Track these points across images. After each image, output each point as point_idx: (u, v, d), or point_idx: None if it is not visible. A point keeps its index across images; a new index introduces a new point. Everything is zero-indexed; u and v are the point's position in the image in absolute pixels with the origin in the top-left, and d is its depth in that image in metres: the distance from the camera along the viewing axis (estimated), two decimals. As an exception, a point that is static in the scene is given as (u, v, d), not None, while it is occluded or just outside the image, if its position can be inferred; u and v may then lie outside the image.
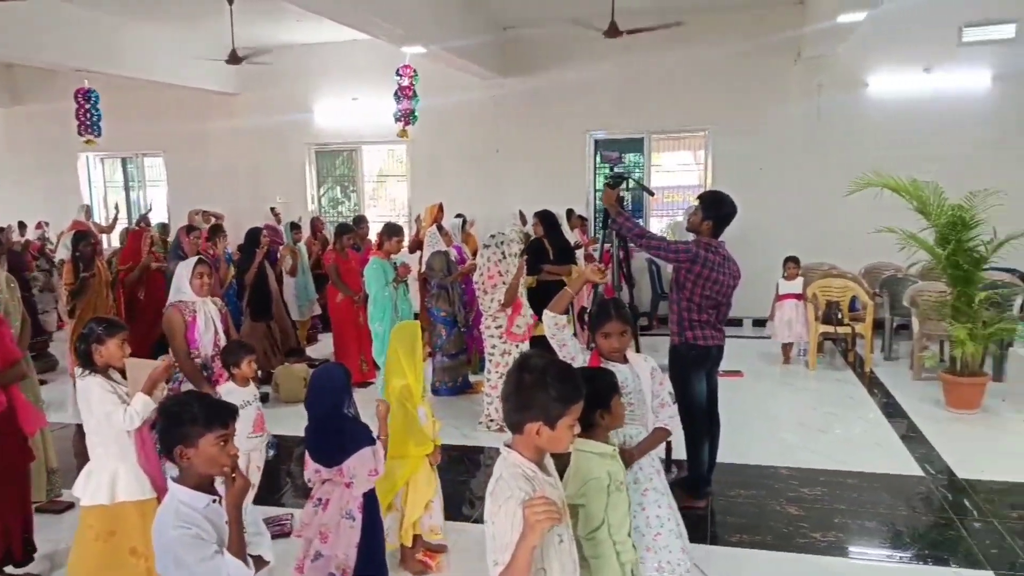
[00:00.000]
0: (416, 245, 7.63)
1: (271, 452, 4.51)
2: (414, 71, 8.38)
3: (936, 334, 6.48)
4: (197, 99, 10.67)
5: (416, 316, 6.66)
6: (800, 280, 7.15)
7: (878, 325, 7.25)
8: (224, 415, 2.06)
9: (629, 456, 2.71)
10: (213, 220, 9.07)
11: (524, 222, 8.14)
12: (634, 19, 7.51)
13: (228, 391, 3.53)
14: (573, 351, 2.87)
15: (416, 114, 8.49)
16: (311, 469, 2.90)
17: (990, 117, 8.27)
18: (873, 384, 6.53)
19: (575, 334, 6.23)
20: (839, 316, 7.01)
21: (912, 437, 5.22)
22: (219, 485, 2.07)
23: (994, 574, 3.44)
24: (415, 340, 3.35)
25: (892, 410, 5.82)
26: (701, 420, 4.18)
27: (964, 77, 8.33)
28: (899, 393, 6.20)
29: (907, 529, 3.94)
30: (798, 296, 7.09)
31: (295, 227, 8.04)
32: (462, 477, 4.60)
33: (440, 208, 7.51)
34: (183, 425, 2.00)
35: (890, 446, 5.09)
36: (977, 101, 8.33)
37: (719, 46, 8.83)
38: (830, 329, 7.02)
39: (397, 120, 8.44)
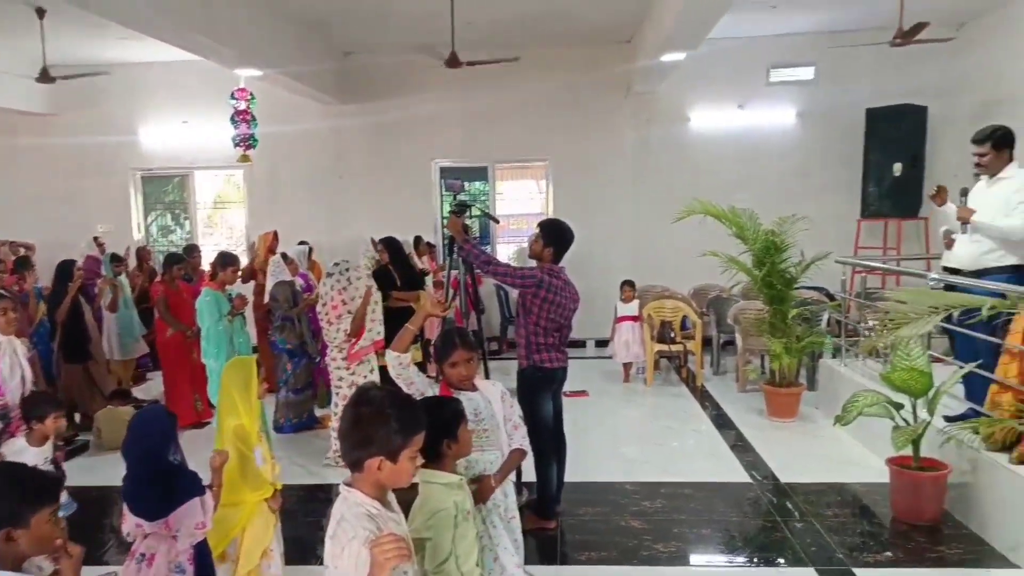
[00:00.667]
0: (249, 274, 7.29)
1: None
2: (251, 94, 8.08)
3: (757, 349, 7.03)
4: (4, 119, 9.67)
5: (255, 350, 6.35)
6: (636, 302, 7.54)
7: (707, 342, 7.76)
8: (55, 487, 1.88)
9: (487, 486, 2.71)
10: (22, 251, 8.22)
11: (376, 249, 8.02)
12: (475, 51, 7.68)
13: (17, 450, 3.17)
14: (422, 386, 2.84)
15: (256, 139, 8.18)
16: (130, 523, 2.65)
17: (796, 150, 9.15)
18: (704, 398, 6.97)
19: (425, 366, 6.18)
20: (672, 335, 7.45)
21: (740, 446, 5.60)
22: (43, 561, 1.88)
23: (815, 570, 3.73)
24: (250, 376, 3.16)
25: (722, 421, 6.22)
26: (549, 441, 4.27)
27: (772, 113, 9.18)
28: (727, 405, 6.65)
29: (739, 534, 4.20)
30: (634, 318, 7.47)
31: (116, 259, 7.43)
32: (310, 518, 4.41)
33: (275, 236, 7.23)
34: (10, 504, 1.80)
35: (721, 456, 5.43)
36: (784, 135, 9.20)
37: (556, 80, 9.19)
38: (664, 347, 7.44)
39: (236, 145, 8.08)
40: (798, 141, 9.17)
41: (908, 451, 4.19)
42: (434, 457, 2.34)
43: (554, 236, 4.20)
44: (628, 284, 7.61)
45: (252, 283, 7.24)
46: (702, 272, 7.89)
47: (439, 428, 2.32)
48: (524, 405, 4.10)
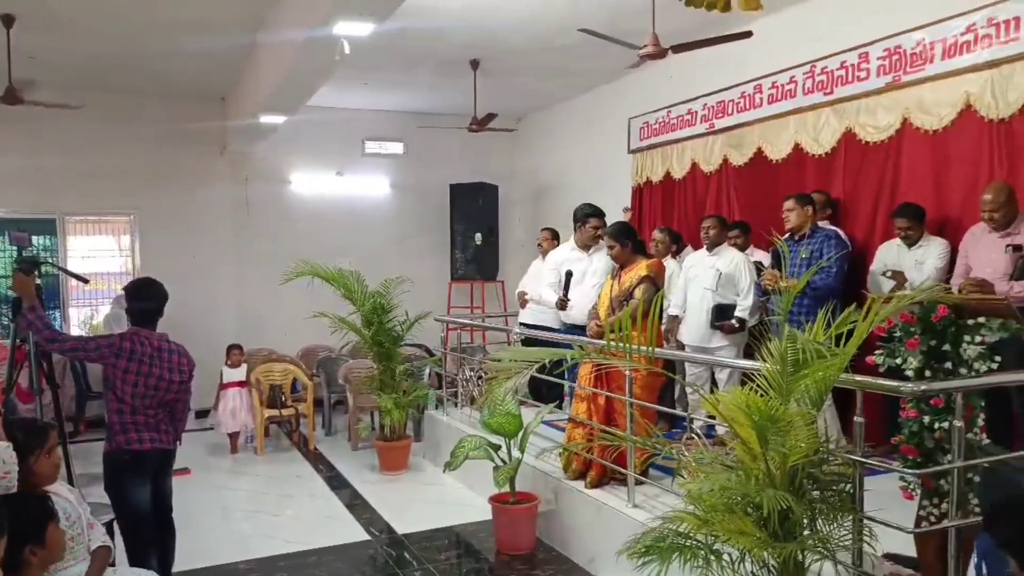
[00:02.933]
0: None
1: None
2: None
3: (368, 406, 7.26)
4: None
5: None
6: (244, 367, 7.22)
7: (318, 403, 7.76)
8: None
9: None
10: None
11: None
12: (43, 90, 6.72)
13: None
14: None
15: None
16: None
17: (391, 217, 9.80)
18: (318, 460, 6.93)
19: None
20: (283, 399, 7.29)
21: (356, 504, 5.69)
22: None
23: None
24: None
25: (336, 482, 6.26)
26: (146, 533, 3.73)
27: (369, 182, 9.73)
28: (341, 464, 6.71)
29: (365, 592, 4.27)
30: (242, 383, 7.14)
31: None
32: None
33: None
34: None
35: (339, 517, 5.45)
36: (382, 202, 9.80)
37: (142, 130, 8.46)
38: (275, 412, 7.24)
39: None
40: (394, 209, 9.84)
41: (507, 488, 4.74)
42: (14, 567, 1.97)
43: (130, 297, 3.76)
44: (236, 348, 7.26)
45: None
46: (311, 333, 7.90)
47: (21, 532, 1.97)
48: (111, 493, 3.62)
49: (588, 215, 5.73)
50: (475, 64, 7.41)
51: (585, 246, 5.79)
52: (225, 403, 7.05)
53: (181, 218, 8.79)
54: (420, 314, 6.71)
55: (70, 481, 3.87)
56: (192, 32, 6.24)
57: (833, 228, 5.06)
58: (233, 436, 7.16)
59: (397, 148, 9.83)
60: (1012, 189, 4.20)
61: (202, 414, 8.23)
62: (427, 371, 7.40)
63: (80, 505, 2.90)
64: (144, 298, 3.72)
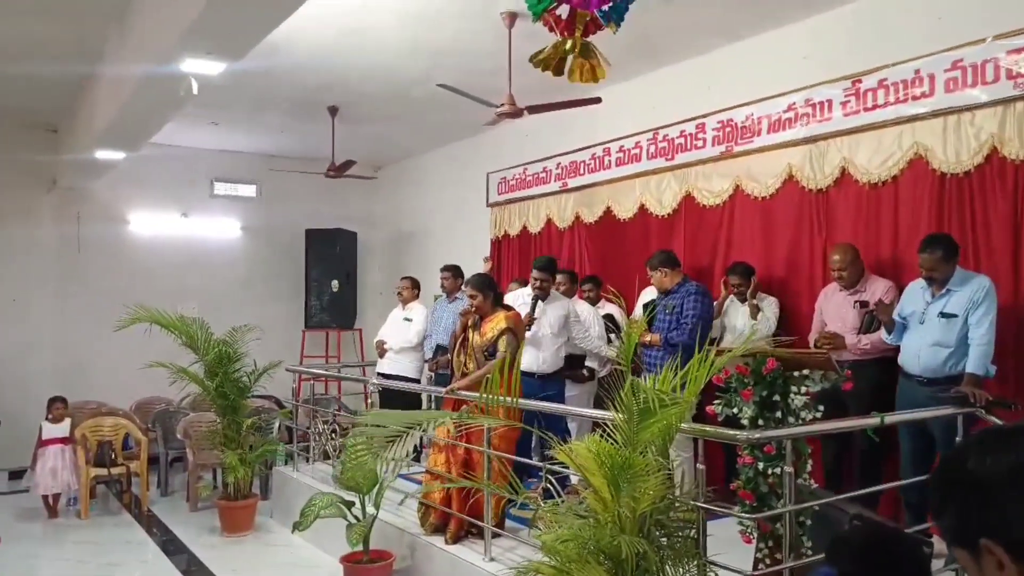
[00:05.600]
0: None
1: None
2: None
3: (210, 463, 6.80)
4: None
5: None
6: (68, 422, 6.57)
7: (153, 461, 7.18)
8: None
9: None
10: None
11: None
12: None
13: None
14: None
15: None
16: None
17: (242, 262, 9.39)
18: (152, 523, 6.38)
19: None
20: (113, 456, 6.68)
21: (194, 570, 5.29)
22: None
23: None
24: None
25: (173, 547, 5.79)
26: None
27: (218, 224, 9.30)
28: (178, 527, 6.22)
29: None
30: (64, 440, 6.49)
31: None
32: None
33: None
34: None
35: (174, 585, 5.05)
36: (230, 246, 9.38)
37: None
38: (103, 471, 6.61)
39: None
40: (244, 253, 9.45)
41: (361, 546, 4.58)
42: None
43: None
44: (59, 401, 6.60)
45: None
46: (147, 385, 7.34)
47: None
48: None
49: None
50: (333, 110, 7.35)
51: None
52: (44, 461, 6.36)
53: (1, 258, 7.98)
54: (270, 364, 6.41)
55: None
56: (21, 54, 5.78)
57: (697, 284, 5.31)
58: (52, 499, 6.46)
59: (249, 191, 9.50)
60: (856, 250, 4.59)
61: (16, 475, 7.42)
62: (277, 424, 7.06)
63: None
64: None
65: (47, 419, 6.54)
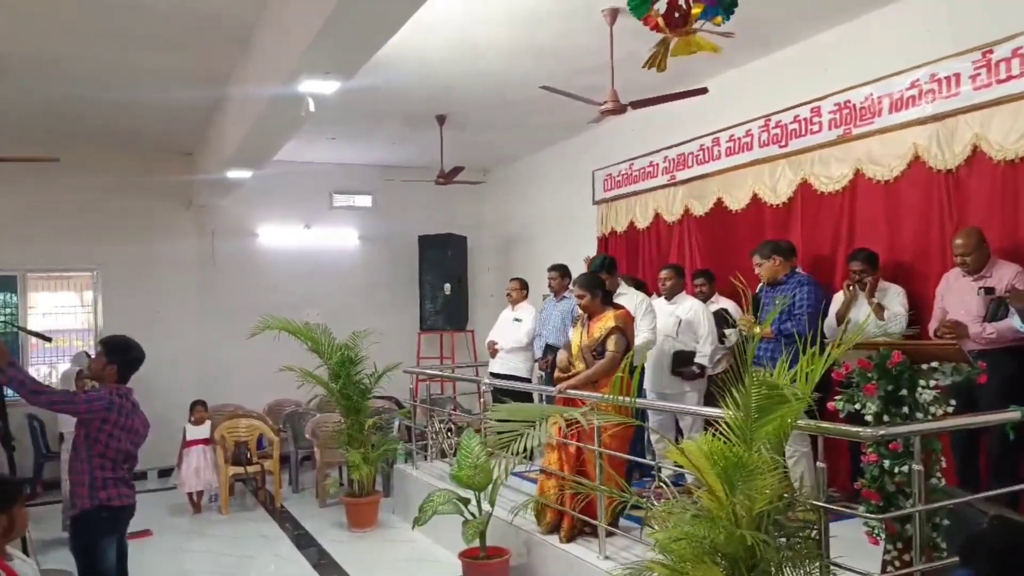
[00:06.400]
0: None
1: None
2: None
3: (336, 461, 7.14)
4: None
5: None
6: (208, 424, 7.08)
7: (285, 459, 7.61)
8: None
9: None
10: None
11: None
12: (10, 144, 6.70)
13: None
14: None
15: None
16: None
17: (360, 269, 9.79)
18: (284, 518, 6.77)
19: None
20: (248, 456, 7.14)
21: (324, 563, 5.56)
22: None
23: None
24: None
25: (303, 541, 6.11)
26: None
27: (337, 235, 9.74)
28: (308, 522, 6.56)
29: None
30: (206, 440, 6.99)
31: None
32: None
33: None
34: None
35: (306, 577, 5.32)
36: (349, 255, 9.80)
37: (106, 185, 8.42)
38: (240, 470, 7.08)
39: None
40: (362, 261, 9.84)
41: (477, 543, 4.67)
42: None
43: (119, 352, 3.83)
44: (200, 404, 7.13)
45: None
46: (277, 388, 7.80)
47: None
48: (84, 555, 3.64)
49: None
50: (441, 119, 7.54)
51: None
52: (188, 461, 6.88)
53: (145, 273, 8.71)
54: (389, 366, 6.66)
55: (24, 548, 3.76)
56: (158, 84, 6.27)
57: (807, 275, 5.13)
58: (196, 495, 6.98)
59: (366, 201, 9.89)
60: (982, 233, 4.30)
61: (164, 473, 8.05)
62: (396, 424, 7.32)
63: (37, 577, 2.83)
64: (134, 353, 3.86)
65: (190, 422, 7.06)
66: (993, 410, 3.29)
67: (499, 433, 3.19)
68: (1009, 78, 4.31)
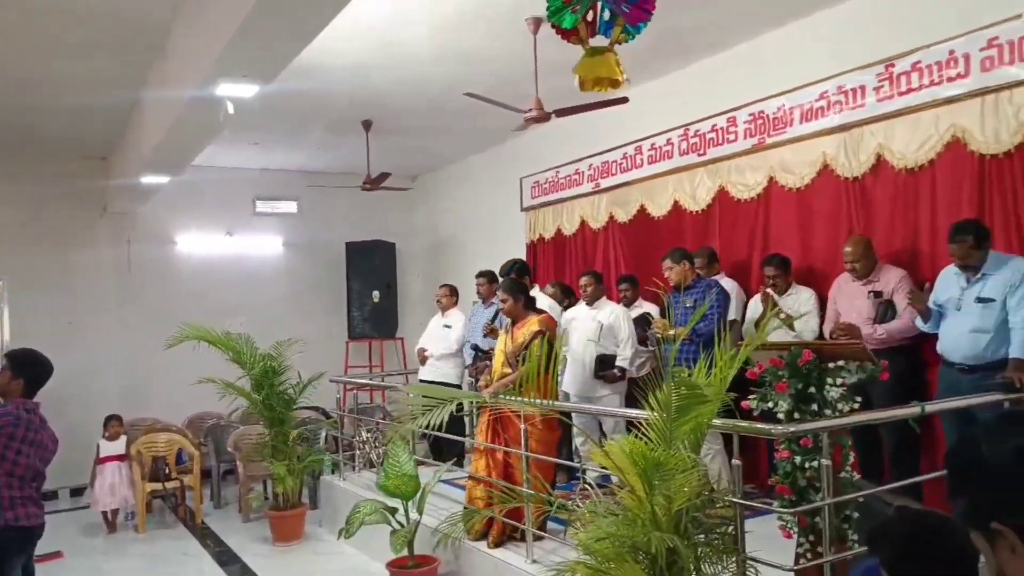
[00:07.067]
0: None
1: None
2: None
3: (260, 475, 6.96)
4: None
5: None
6: (124, 439, 6.80)
7: (206, 474, 7.38)
8: None
9: None
10: None
11: None
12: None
13: None
14: None
15: None
16: None
17: (285, 277, 9.59)
18: (206, 535, 6.55)
19: None
20: (167, 471, 6.89)
21: (247, 580, 5.42)
22: None
23: None
24: None
25: (226, 557, 5.93)
26: None
27: (261, 242, 9.52)
28: (231, 538, 6.37)
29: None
30: (121, 457, 6.71)
31: None
32: None
33: None
34: None
35: (229, 594, 5.17)
36: (273, 263, 9.59)
37: (14, 190, 8.03)
38: (158, 486, 6.82)
39: None
40: (287, 269, 9.65)
41: (405, 552, 4.63)
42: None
43: (25, 366, 3.68)
44: (114, 419, 6.84)
45: None
46: (198, 400, 7.54)
47: None
48: None
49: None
50: (367, 124, 7.47)
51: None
52: (102, 479, 6.59)
53: (57, 283, 8.30)
54: (314, 375, 6.55)
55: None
56: (70, 88, 6.01)
57: (713, 279, 5.32)
58: (111, 514, 6.68)
59: (290, 207, 9.70)
60: (869, 241, 4.61)
61: (77, 492, 7.70)
62: (323, 435, 7.19)
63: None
64: (41, 367, 3.73)
65: (104, 437, 6.77)
66: (886, 406, 3.46)
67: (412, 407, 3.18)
68: (909, 91, 4.56)
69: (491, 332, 5.61)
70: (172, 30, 5.05)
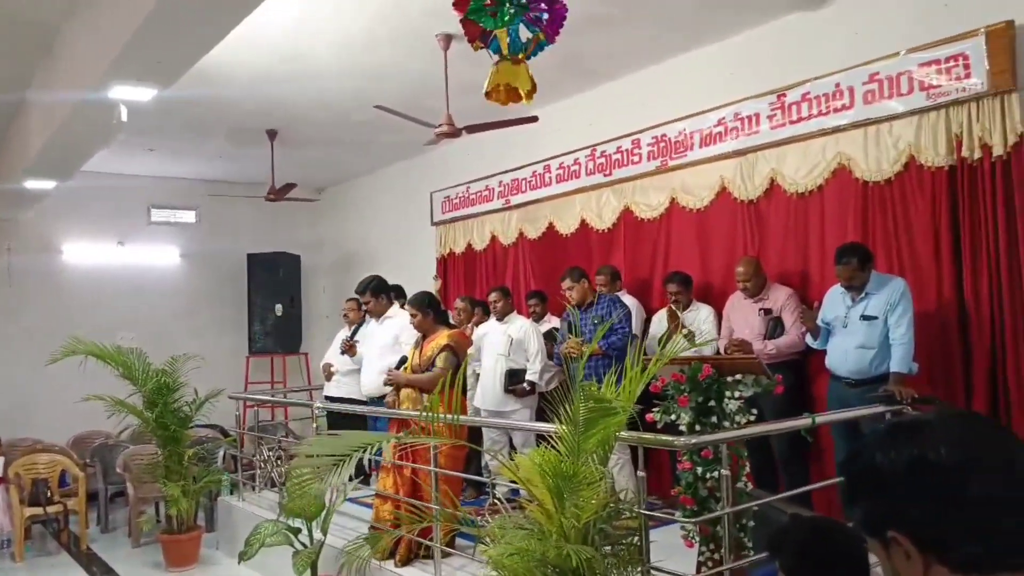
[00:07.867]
0: None
1: None
2: None
3: (152, 496, 6.59)
4: None
5: None
6: (0, 460, 6.31)
7: (92, 497, 6.94)
8: None
9: None
10: None
11: None
12: None
13: None
14: None
15: None
16: None
17: (182, 289, 9.20)
18: (91, 561, 6.15)
19: None
20: (48, 495, 6.44)
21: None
22: None
23: None
24: None
25: (114, 585, 5.61)
26: None
27: (156, 252, 9.11)
28: (120, 564, 6.01)
29: None
30: (-3, 480, 6.24)
31: None
32: None
33: None
34: None
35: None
36: (169, 274, 9.19)
37: None
38: (39, 511, 6.36)
39: None
40: (184, 281, 9.26)
41: (309, 574, 4.49)
42: None
43: None
44: (-13, 441, 6.36)
45: None
46: (84, 419, 7.10)
47: None
48: None
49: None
50: (272, 134, 7.29)
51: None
52: (-25, 505, 6.11)
53: (-77, 293, 7.69)
54: (211, 392, 6.28)
55: None
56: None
57: (616, 295, 5.45)
58: (-14, 542, 6.20)
59: (188, 216, 9.34)
60: (759, 261, 4.90)
61: (-56, 520, 7.08)
62: (221, 454, 6.90)
63: None
64: None
65: (-29, 460, 6.28)
66: (777, 418, 3.65)
67: (323, 463, 3.05)
68: (800, 119, 4.85)
69: (349, 348, 5.79)
70: (62, 28, 4.79)
